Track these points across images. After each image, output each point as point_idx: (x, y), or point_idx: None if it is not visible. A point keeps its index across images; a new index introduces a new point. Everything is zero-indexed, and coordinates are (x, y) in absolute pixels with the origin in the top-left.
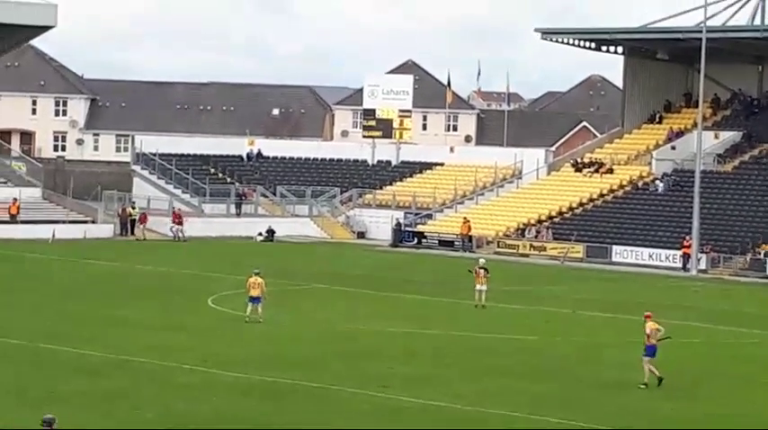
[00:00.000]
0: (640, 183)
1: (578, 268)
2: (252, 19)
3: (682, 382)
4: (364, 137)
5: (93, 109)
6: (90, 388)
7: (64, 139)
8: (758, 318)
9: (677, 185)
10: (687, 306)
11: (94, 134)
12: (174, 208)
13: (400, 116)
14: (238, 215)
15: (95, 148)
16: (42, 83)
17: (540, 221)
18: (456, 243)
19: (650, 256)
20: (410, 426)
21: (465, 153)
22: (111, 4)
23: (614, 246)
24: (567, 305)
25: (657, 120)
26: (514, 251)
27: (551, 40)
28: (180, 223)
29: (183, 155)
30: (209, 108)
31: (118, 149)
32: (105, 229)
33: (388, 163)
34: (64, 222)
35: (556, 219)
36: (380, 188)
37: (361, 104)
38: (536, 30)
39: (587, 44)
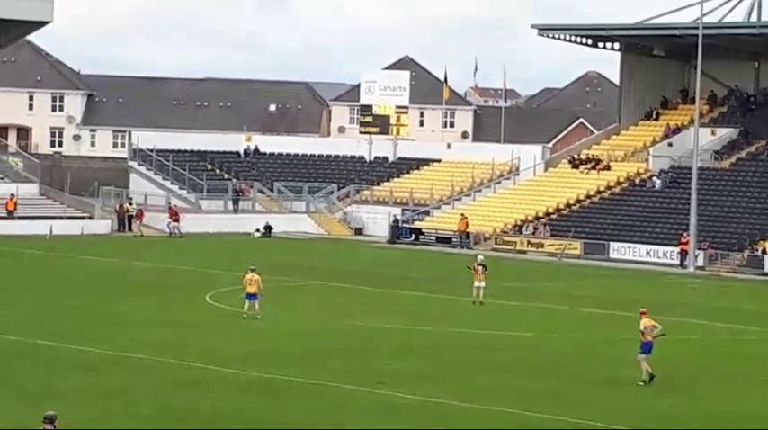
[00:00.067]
0: (637, 180)
1: (576, 265)
2: (249, 15)
3: (679, 379)
4: (361, 133)
5: (89, 105)
6: (88, 384)
7: (61, 135)
8: (756, 315)
9: (674, 182)
10: (684, 303)
11: (91, 130)
12: (170, 204)
13: (397, 112)
14: (235, 211)
15: (92, 144)
16: (39, 78)
17: (537, 218)
18: (453, 239)
19: (648, 253)
20: (407, 423)
21: (462, 149)
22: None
23: (611, 243)
24: (564, 302)
25: (654, 116)
26: (512, 248)
27: (548, 36)
28: (176, 219)
29: (179, 151)
30: (206, 104)
31: (115, 145)
32: (102, 225)
33: (385, 159)
34: (61, 218)
35: (553, 216)
36: (377, 184)
37: (358, 100)
38: (533, 26)
39: (584, 40)
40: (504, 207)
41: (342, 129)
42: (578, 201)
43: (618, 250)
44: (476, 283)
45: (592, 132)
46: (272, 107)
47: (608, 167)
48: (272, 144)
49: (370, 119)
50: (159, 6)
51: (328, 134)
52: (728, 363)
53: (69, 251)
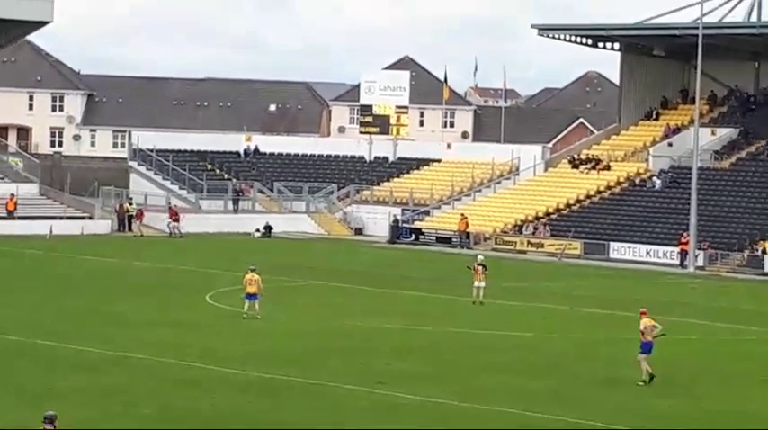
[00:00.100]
0: (637, 180)
1: (576, 265)
2: (249, 15)
3: (679, 379)
4: (361, 133)
5: (89, 105)
6: (88, 384)
7: (61, 135)
8: (756, 315)
9: (674, 182)
10: (684, 303)
11: (91, 130)
12: (170, 204)
13: (397, 112)
14: (235, 211)
15: (92, 144)
16: (39, 78)
17: (537, 218)
18: (453, 239)
19: (648, 253)
20: (407, 423)
21: (462, 149)
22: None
23: (612, 243)
24: (564, 302)
25: (654, 116)
26: (512, 248)
27: (548, 36)
28: (176, 219)
29: (179, 151)
30: (205, 104)
31: (115, 145)
32: (102, 225)
33: (385, 159)
34: (61, 218)
35: (553, 216)
36: (377, 184)
37: (358, 100)
38: (533, 26)
39: (584, 40)
40: (504, 207)
41: (342, 129)
42: (578, 201)
43: (618, 250)
44: (476, 283)
45: (592, 132)
46: (272, 107)
47: (608, 167)
48: (272, 144)
49: (370, 119)
50: (159, 6)
51: (328, 134)
52: (728, 363)
53: (69, 251)
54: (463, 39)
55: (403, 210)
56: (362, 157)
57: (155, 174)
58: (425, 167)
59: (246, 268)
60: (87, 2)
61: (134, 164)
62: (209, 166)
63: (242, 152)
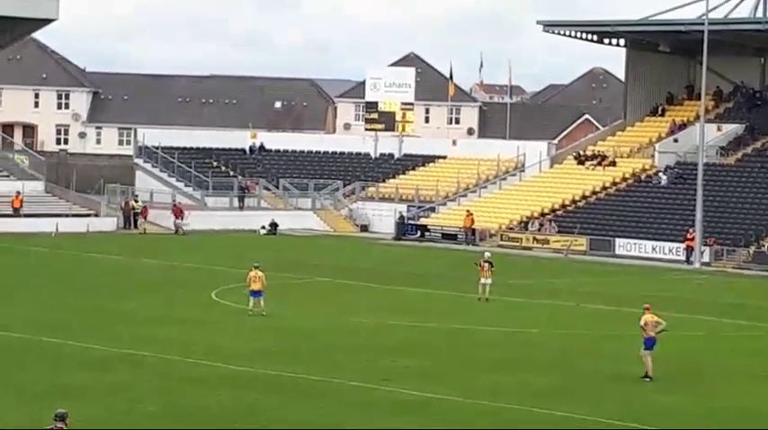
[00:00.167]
0: (643, 176)
1: (581, 261)
2: (254, 12)
3: (684, 375)
4: (367, 130)
5: (95, 102)
6: (93, 381)
7: (66, 133)
8: (761, 311)
9: (680, 178)
10: (690, 299)
11: (97, 127)
12: (174, 201)
13: (402, 109)
14: (241, 208)
15: (98, 142)
16: (44, 76)
17: (543, 214)
18: (459, 236)
19: (653, 249)
20: (413, 420)
21: (467, 146)
22: None
23: (617, 239)
24: (570, 298)
25: (660, 112)
26: (517, 244)
27: (553, 32)
28: (180, 217)
29: (185, 148)
30: (211, 101)
31: (120, 142)
32: (108, 223)
33: (391, 156)
34: (67, 216)
35: (559, 212)
36: (383, 181)
37: (364, 97)
38: (538, 22)
39: (589, 37)
40: (509, 203)
41: (347, 126)
42: (584, 197)
43: (624, 246)
44: (482, 280)
45: (597, 128)
46: (278, 104)
47: (614, 163)
48: (277, 141)
49: (375, 115)
50: (164, 4)
51: (334, 131)
52: (734, 360)
53: (75, 248)
54: (468, 35)
55: (408, 206)
56: (368, 154)
57: (160, 172)
58: (431, 164)
59: (251, 265)
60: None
61: (140, 161)
62: (215, 164)
63: (247, 149)
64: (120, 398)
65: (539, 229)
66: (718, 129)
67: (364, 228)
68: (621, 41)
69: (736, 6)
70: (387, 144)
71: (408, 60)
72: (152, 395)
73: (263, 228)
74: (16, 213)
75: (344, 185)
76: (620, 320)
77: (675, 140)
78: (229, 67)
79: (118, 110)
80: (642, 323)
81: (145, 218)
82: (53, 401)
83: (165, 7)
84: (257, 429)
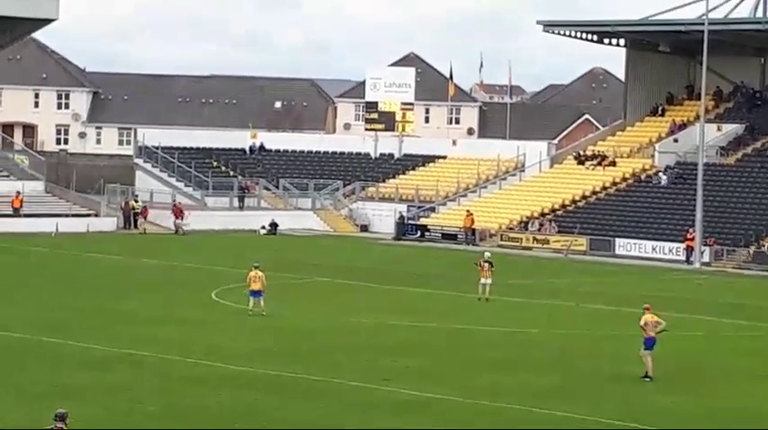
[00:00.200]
0: (643, 176)
1: (581, 261)
2: (254, 12)
3: (684, 375)
4: (367, 130)
5: (95, 102)
6: (93, 381)
7: (66, 133)
8: (761, 311)
9: (680, 178)
10: (690, 299)
11: (97, 127)
12: (174, 201)
13: (402, 109)
14: (241, 208)
15: (98, 142)
16: (44, 76)
17: (543, 214)
18: (459, 236)
19: (653, 249)
20: (412, 420)
21: (467, 146)
22: None
23: (617, 239)
24: (570, 298)
25: (660, 112)
26: (517, 244)
27: (553, 32)
28: (180, 217)
29: (185, 148)
30: (211, 101)
31: (120, 142)
32: (108, 223)
33: (391, 156)
34: (67, 216)
35: (559, 212)
36: (383, 181)
37: (364, 97)
38: (538, 22)
39: (589, 36)
40: (509, 203)
41: (347, 126)
42: (584, 197)
43: (624, 246)
44: (482, 280)
45: (597, 128)
46: (278, 104)
47: (614, 163)
48: (277, 141)
49: (375, 115)
50: (164, 4)
51: (334, 131)
52: (734, 360)
53: (75, 248)
54: (468, 35)
55: (408, 206)
56: (368, 154)
57: (160, 172)
58: (431, 164)
59: (250, 265)
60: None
61: (140, 161)
62: (215, 164)
63: (247, 149)
64: (120, 398)
65: (539, 229)
66: (718, 129)
67: (364, 228)
68: (621, 41)
69: (735, 6)
70: (387, 144)
71: (408, 60)
72: (152, 395)
73: (263, 228)
74: (16, 213)
75: (344, 185)
76: (620, 320)
77: (675, 140)
78: (229, 67)
79: (118, 110)
80: (642, 323)
81: (145, 218)
82: (53, 401)
83: (165, 7)
84: (257, 429)
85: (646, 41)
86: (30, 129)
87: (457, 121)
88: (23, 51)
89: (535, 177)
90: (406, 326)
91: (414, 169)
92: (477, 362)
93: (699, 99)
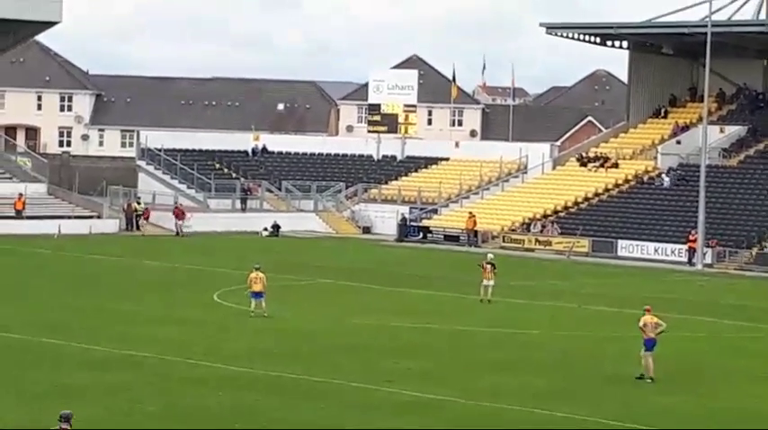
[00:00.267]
0: (646, 178)
1: (584, 263)
2: (256, 14)
3: (686, 376)
4: (369, 132)
5: (98, 104)
6: (93, 382)
7: (69, 135)
8: (763, 313)
9: (683, 180)
10: (692, 300)
11: (100, 129)
12: (176, 203)
13: (405, 111)
14: (243, 210)
15: (100, 144)
16: (47, 78)
17: (545, 216)
18: (461, 238)
19: (656, 251)
20: (414, 421)
21: (470, 148)
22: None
23: (620, 241)
24: (572, 300)
25: (662, 114)
26: (520, 246)
27: (556, 34)
28: (182, 218)
29: (187, 150)
30: (213, 103)
31: (123, 145)
32: (110, 224)
33: (394, 158)
34: (69, 217)
35: (561, 214)
36: (386, 183)
37: (366, 99)
38: (541, 24)
39: (592, 39)
40: (512, 205)
41: (350, 128)
42: (586, 199)
43: (626, 248)
44: (484, 282)
45: (600, 130)
46: (281, 106)
47: (616, 165)
48: (280, 143)
49: (378, 118)
50: (164, 4)
51: (336, 133)
52: (735, 361)
53: (77, 250)
54: (471, 37)
55: (411, 208)
56: (370, 156)
57: (163, 174)
58: (433, 166)
59: (252, 267)
60: (95, 2)
61: (142, 163)
62: (218, 166)
63: (250, 151)
64: (120, 399)
65: (541, 231)
66: (721, 131)
67: (366, 230)
68: (624, 43)
69: (739, 9)
70: (389, 146)
71: (411, 62)
72: (152, 395)
73: (266, 229)
74: (19, 215)
75: (347, 187)
76: (622, 322)
77: (678, 142)
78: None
79: (120, 112)
80: (641, 324)
81: (147, 220)
82: (53, 401)
83: (165, 7)
84: (257, 428)
85: (649, 43)
86: (33, 132)
87: (459, 123)
88: (26, 54)
89: (538, 179)
90: (408, 327)
91: (416, 171)
92: (479, 363)
93: (701, 101)
